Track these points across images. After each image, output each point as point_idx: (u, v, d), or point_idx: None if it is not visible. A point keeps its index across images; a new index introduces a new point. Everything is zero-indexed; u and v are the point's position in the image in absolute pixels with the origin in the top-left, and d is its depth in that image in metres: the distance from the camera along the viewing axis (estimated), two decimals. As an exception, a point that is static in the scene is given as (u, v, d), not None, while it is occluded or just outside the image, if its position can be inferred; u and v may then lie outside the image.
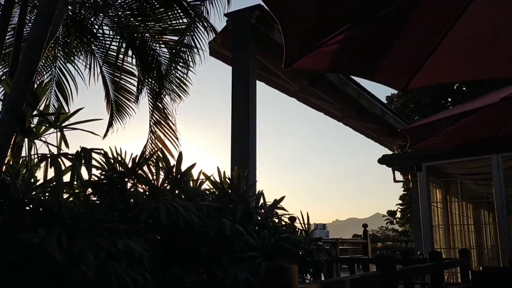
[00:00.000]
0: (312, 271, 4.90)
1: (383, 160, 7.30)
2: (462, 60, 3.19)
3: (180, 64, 6.70)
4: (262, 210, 5.25)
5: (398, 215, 22.20)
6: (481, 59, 3.20)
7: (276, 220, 5.33)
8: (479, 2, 2.70)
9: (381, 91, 47.97)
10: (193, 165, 3.92)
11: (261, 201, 5.44)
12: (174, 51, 6.50)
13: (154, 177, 3.57)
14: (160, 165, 3.64)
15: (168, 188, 3.63)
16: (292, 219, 5.83)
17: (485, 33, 2.97)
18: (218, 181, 4.69)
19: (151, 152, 6.10)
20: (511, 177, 6.37)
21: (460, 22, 2.87)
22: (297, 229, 5.30)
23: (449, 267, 5.45)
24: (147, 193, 3.48)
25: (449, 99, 21.31)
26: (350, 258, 6.61)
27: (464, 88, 20.53)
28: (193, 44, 6.37)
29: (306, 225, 5.14)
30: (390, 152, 21.00)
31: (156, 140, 7.01)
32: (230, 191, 4.96)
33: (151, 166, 3.59)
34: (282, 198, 5.69)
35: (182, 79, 6.82)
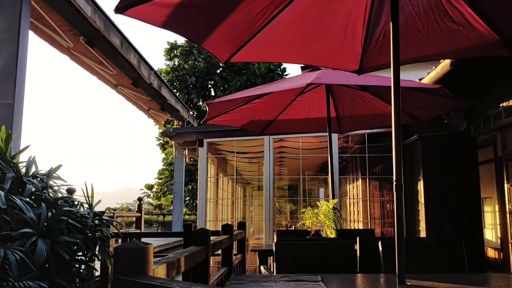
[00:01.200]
0: (98, 248, 4.43)
1: (167, 133, 7.18)
2: (287, 42, 3.30)
3: None
4: (35, 180, 4.46)
5: (156, 189, 22.57)
6: (301, 45, 3.37)
7: (52, 193, 4.61)
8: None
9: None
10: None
11: (33, 169, 4.61)
12: None
13: None
14: None
15: None
16: (71, 190, 5.15)
17: (311, 21, 3.13)
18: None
19: None
20: (278, 158, 7.15)
21: (292, 6, 2.94)
22: (77, 202, 4.71)
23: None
24: None
25: (211, 82, 22.65)
26: (138, 233, 6.31)
27: (225, 73, 22.12)
28: None
29: (90, 198, 4.60)
30: (156, 126, 20.98)
31: None
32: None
33: None
34: (59, 166, 4.95)
35: None
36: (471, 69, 4.71)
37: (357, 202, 7.79)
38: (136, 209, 8.75)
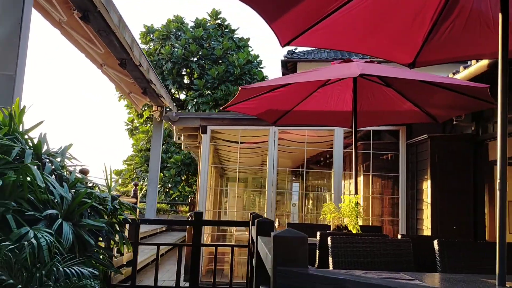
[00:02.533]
0: (118, 232, 4.17)
1: (169, 118, 6.89)
2: (351, 30, 3.17)
3: None
4: (53, 159, 4.13)
5: (125, 175, 21.95)
6: (364, 34, 3.25)
7: (67, 173, 4.29)
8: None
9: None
10: None
11: (45, 147, 4.29)
12: None
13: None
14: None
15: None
16: (85, 171, 4.85)
17: (382, 10, 3.02)
18: None
19: None
20: (282, 149, 7.03)
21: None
22: (92, 184, 4.41)
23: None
24: None
25: (188, 69, 22.20)
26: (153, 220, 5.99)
27: (203, 61, 21.72)
28: None
29: (109, 180, 4.31)
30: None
31: None
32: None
33: None
34: (70, 145, 4.64)
35: None
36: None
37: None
38: (132, 195, 8.40)
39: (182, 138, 7.56)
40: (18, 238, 3.02)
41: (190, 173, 20.66)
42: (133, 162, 22.10)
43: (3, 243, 2.92)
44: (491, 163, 6.15)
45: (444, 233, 5.87)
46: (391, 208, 7.19)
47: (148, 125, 23.48)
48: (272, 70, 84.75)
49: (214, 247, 5.61)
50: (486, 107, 4.75)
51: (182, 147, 8.33)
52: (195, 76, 22.16)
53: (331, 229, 4.75)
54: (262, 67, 22.86)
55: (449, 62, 3.45)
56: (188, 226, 7.36)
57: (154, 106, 15.28)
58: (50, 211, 3.40)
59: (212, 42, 22.49)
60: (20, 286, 2.42)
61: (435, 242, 3.19)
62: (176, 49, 21.83)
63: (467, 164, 6.04)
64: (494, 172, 6.24)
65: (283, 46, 3.19)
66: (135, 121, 24.06)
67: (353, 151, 5.09)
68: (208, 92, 20.61)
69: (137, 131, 23.85)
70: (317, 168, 9.37)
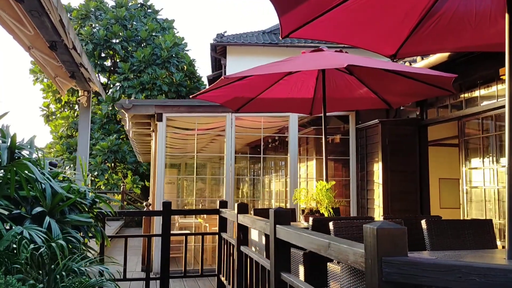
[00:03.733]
0: (95, 226, 3.97)
1: (122, 105, 6.59)
2: (347, 23, 3.29)
3: None
4: (25, 152, 3.83)
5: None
6: (356, 28, 3.39)
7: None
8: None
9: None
10: None
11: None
12: None
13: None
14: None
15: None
16: (54, 164, 4.55)
17: (381, 4, 3.16)
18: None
19: None
20: (238, 134, 7.06)
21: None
22: (65, 177, 4.15)
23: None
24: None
25: (110, 51, 21.17)
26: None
27: (127, 43, 20.83)
28: None
29: (84, 173, 4.09)
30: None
31: None
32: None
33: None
34: (34, 136, 4.33)
35: None
36: (461, 63, 5.17)
37: (311, 182, 8.08)
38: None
39: (130, 125, 7.28)
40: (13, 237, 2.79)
41: (117, 161, 19.92)
42: (53, 150, 20.79)
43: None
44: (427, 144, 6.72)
45: (395, 211, 6.33)
46: (342, 189, 7.57)
47: (67, 110, 22.16)
48: (197, 54, 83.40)
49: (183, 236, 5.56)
50: (441, 94, 5.18)
51: (131, 135, 8.03)
52: (117, 59, 21.20)
53: (304, 213, 4.93)
54: (187, 50, 22.45)
55: (429, 54, 3.71)
56: (144, 217, 7.18)
57: (80, 91, 14.48)
58: (39, 208, 3.18)
59: (135, 23, 21.62)
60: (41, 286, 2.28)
61: (423, 222, 3.47)
62: (96, 30, 20.69)
63: (413, 146, 6.53)
64: (428, 153, 6.83)
65: (282, 37, 3.24)
66: (52, 106, 22.58)
67: (323, 136, 5.29)
68: (134, 75, 19.87)
69: (53, 117, 22.41)
70: (273, 154, 9.54)
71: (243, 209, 4.07)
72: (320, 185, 4.85)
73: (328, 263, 3.23)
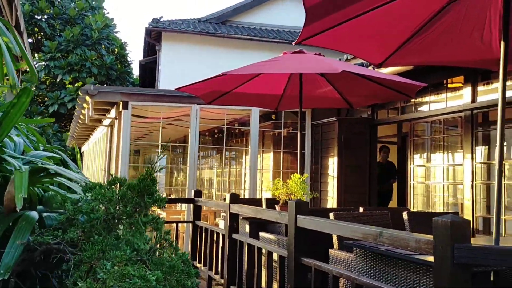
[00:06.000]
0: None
1: (87, 91, 6.37)
2: (355, 34, 3.63)
3: None
4: None
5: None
6: (355, 37, 3.74)
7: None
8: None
9: None
10: None
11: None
12: None
13: None
14: None
15: None
16: None
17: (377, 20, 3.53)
18: None
19: None
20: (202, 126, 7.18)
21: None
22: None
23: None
24: None
25: (36, 28, 19.81)
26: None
27: (54, 21, 19.63)
28: None
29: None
30: None
31: None
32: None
33: None
34: None
35: None
36: (418, 72, 5.77)
37: (266, 173, 8.41)
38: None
39: (92, 112, 7.06)
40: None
41: (40, 144, 18.80)
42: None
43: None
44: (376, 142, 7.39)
45: (348, 203, 6.89)
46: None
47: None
48: (127, 37, 79.81)
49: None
50: (403, 99, 5.75)
51: (87, 121, 7.74)
52: (41, 37, 19.94)
53: (280, 203, 5.24)
54: (116, 32, 21.69)
55: (410, 65, 4.18)
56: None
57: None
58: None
59: (63, 0, 20.44)
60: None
61: (404, 214, 3.95)
62: (21, 4, 19.24)
63: (365, 144, 7.13)
64: (376, 149, 7.50)
65: (296, 43, 3.51)
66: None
67: (298, 132, 5.62)
68: (61, 55, 18.83)
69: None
70: (235, 145, 9.71)
71: (235, 198, 4.29)
72: (294, 177, 5.18)
73: (330, 250, 3.58)
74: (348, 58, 7.25)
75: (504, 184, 5.18)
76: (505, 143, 5.53)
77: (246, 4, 17.53)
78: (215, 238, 4.74)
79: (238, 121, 8.24)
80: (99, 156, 10.30)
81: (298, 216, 3.03)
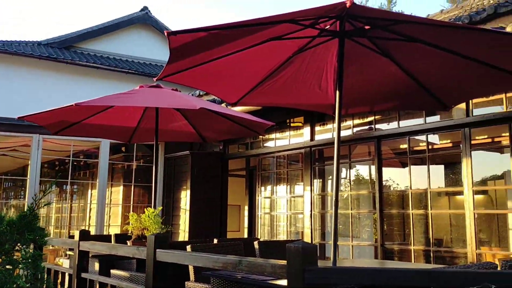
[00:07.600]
0: None
1: None
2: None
3: None
4: None
5: None
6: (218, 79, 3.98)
7: None
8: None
9: None
10: None
11: None
12: None
13: None
14: None
15: None
16: None
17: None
18: None
19: None
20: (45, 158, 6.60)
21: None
22: None
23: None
24: None
25: None
26: None
27: None
28: None
29: None
30: None
31: None
32: None
33: None
34: None
35: None
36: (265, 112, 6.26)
37: (115, 208, 8.03)
38: None
39: None
40: None
41: None
42: None
43: None
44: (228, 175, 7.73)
45: (200, 235, 7.00)
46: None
47: None
48: None
49: None
50: (253, 135, 6.17)
51: None
52: None
53: (132, 238, 5.10)
54: None
55: (261, 106, 4.57)
56: None
57: None
58: None
59: None
60: None
61: (255, 243, 4.22)
62: None
63: (217, 176, 7.40)
64: (228, 182, 7.85)
65: (157, 79, 3.61)
66: None
67: (153, 165, 5.58)
68: None
69: None
70: (80, 178, 9.01)
71: (85, 235, 4.07)
72: (148, 211, 5.13)
73: (186, 283, 3.63)
74: (201, 94, 7.54)
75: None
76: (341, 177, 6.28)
77: (93, 31, 16.79)
78: (59, 279, 4.38)
79: (84, 152, 7.83)
80: None
81: (157, 250, 3.04)
